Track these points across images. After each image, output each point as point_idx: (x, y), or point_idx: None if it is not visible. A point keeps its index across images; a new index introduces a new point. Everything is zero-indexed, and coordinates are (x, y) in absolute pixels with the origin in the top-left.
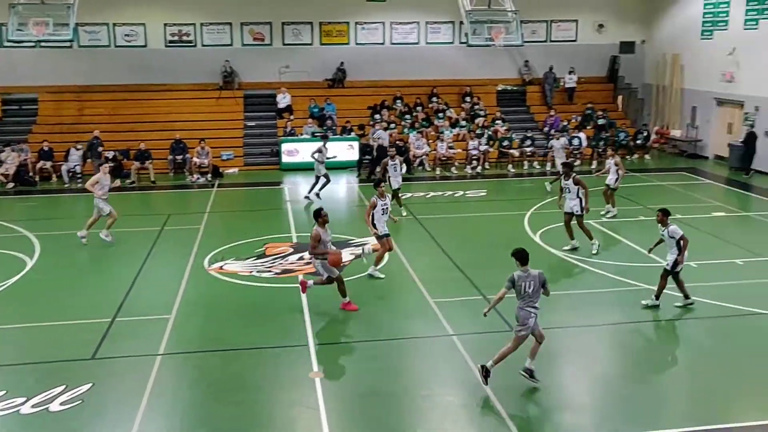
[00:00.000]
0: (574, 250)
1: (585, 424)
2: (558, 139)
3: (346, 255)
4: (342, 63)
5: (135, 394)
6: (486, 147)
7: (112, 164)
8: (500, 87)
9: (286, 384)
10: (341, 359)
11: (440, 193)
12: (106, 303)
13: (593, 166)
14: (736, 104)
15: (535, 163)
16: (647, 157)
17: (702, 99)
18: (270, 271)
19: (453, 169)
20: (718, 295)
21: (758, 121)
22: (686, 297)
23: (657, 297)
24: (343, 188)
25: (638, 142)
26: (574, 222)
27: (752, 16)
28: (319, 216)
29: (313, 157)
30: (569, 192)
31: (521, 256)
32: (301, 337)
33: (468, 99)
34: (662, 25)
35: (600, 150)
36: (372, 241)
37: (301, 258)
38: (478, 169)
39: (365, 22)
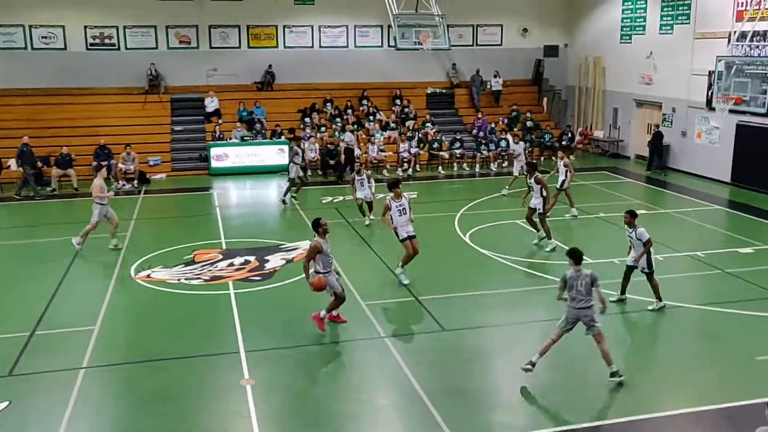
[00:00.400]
0: (541, 240)
1: (516, 422)
2: (517, 143)
3: (278, 260)
4: (270, 66)
5: (56, 411)
6: (416, 149)
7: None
8: (429, 90)
9: (216, 393)
10: (273, 365)
11: (381, 195)
12: (24, 316)
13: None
14: (654, 105)
15: (465, 165)
16: (572, 157)
17: (623, 101)
18: (199, 278)
19: (384, 171)
20: (640, 291)
21: (675, 121)
22: (622, 292)
23: (659, 298)
24: (273, 192)
25: (563, 143)
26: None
27: (667, 21)
28: (319, 226)
29: (294, 162)
30: (533, 190)
31: (576, 256)
32: (231, 344)
33: (398, 102)
34: (584, 29)
35: (527, 152)
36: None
37: (231, 264)
38: (409, 171)
39: (294, 26)
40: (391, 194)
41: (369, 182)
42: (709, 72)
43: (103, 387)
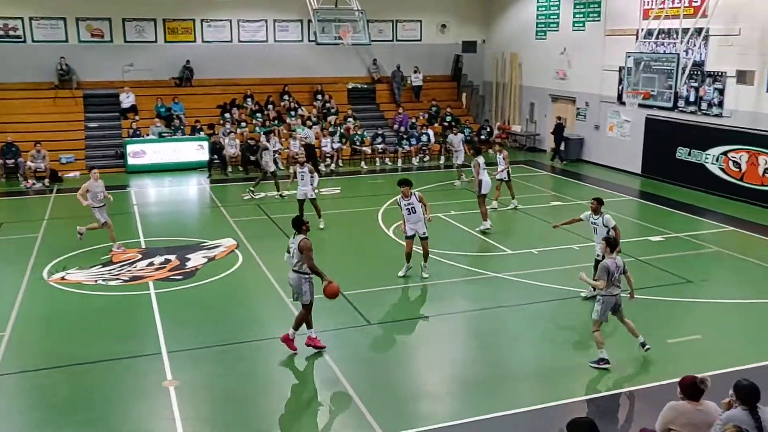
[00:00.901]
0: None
1: (440, 411)
2: (456, 134)
3: (199, 259)
4: (188, 61)
5: None
6: (339, 145)
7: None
8: (350, 85)
9: (139, 395)
10: (196, 365)
11: (294, 191)
12: None
13: (442, 162)
14: (568, 100)
15: (387, 160)
16: (491, 151)
17: (538, 95)
18: (118, 279)
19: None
20: (558, 279)
21: (588, 115)
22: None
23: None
24: (194, 189)
25: (482, 137)
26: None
27: (579, 18)
28: (303, 224)
29: (266, 156)
30: (477, 170)
31: (613, 244)
32: (153, 345)
33: (319, 97)
34: (500, 25)
35: (447, 146)
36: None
37: (150, 264)
38: (332, 166)
39: (212, 20)
40: (400, 193)
41: (312, 177)
42: (620, 68)
43: (15, 396)
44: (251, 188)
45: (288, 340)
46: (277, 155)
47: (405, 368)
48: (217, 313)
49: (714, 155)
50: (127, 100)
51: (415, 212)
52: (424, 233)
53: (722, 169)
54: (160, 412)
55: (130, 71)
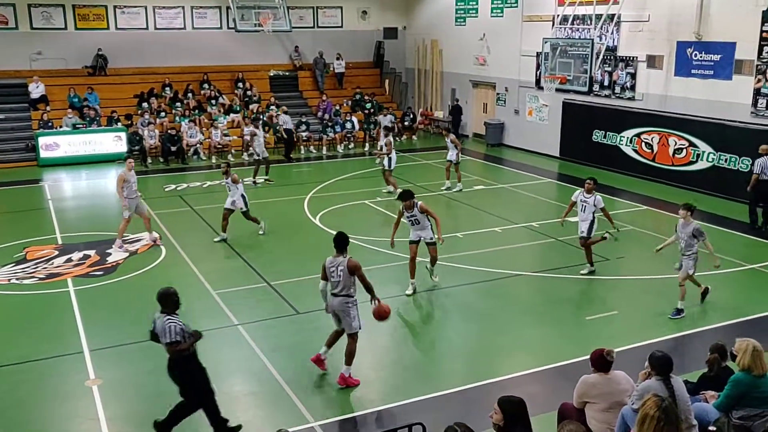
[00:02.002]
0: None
1: (371, 396)
2: (385, 116)
3: (120, 253)
4: (100, 49)
5: None
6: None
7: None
8: (272, 73)
9: (60, 397)
10: (120, 363)
11: (217, 182)
12: None
13: (367, 149)
14: (489, 86)
15: (312, 148)
16: (414, 137)
17: (460, 81)
18: (33, 277)
19: (229, 156)
20: (484, 262)
21: (508, 100)
22: (591, 263)
23: (591, 263)
24: (112, 182)
25: (405, 123)
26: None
27: (498, 4)
28: (347, 242)
29: (255, 141)
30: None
31: (690, 208)
32: (74, 344)
33: (240, 85)
34: (421, 12)
35: (372, 133)
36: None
37: (69, 260)
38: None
39: (125, 6)
40: (403, 205)
41: (237, 187)
42: (537, 53)
43: None
44: (267, 178)
45: (346, 379)
46: (198, 146)
47: (334, 355)
48: (141, 309)
49: (628, 137)
50: (36, 90)
51: (419, 223)
52: (430, 238)
53: (635, 151)
54: (84, 413)
55: (39, 60)
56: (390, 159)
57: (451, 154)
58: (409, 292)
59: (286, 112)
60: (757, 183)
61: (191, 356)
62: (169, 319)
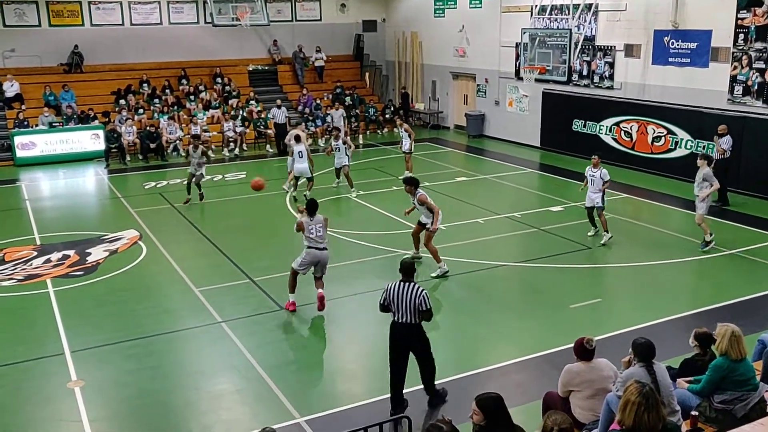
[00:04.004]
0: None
1: (356, 390)
2: (337, 109)
3: (100, 253)
4: (76, 46)
5: None
6: (242, 128)
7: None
8: (251, 67)
9: (41, 399)
10: (103, 364)
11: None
12: None
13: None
14: (469, 77)
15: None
16: (396, 130)
17: (440, 73)
18: (12, 279)
19: (209, 152)
20: (467, 253)
21: (488, 91)
22: (594, 226)
23: (607, 231)
24: (91, 180)
25: (386, 116)
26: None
27: None
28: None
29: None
30: (339, 150)
31: (709, 158)
32: (54, 345)
33: (219, 80)
34: (399, 4)
35: (353, 126)
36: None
37: (48, 261)
38: (236, 151)
39: (100, 2)
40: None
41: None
42: (516, 44)
43: None
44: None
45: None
46: (178, 142)
47: (319, 349)
48: (122, 308)
49: (607, 126)
50: (10, 88)
51: (419, 210)
52: (426, 224)
53: (615, 139)
54: (66, 415)
55: (12, 57)
56: (348, 158)
57: (406, 144)
58: (435, 274)
59: (279, 107)
60: (724, 160)
61: None
62: (419, 287)
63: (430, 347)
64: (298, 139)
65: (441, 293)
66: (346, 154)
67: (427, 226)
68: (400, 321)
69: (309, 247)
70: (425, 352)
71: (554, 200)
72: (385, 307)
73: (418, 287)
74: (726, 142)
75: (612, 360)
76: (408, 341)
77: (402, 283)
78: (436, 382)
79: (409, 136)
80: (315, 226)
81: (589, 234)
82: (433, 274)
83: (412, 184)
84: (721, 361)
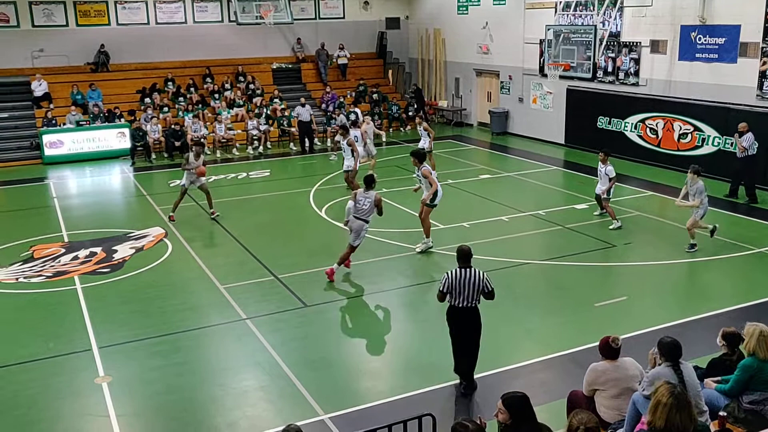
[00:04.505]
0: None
1: (380, 387)
2: (338, 116)
3: (126, 250)
4: (102, 45)
5: None
6: (266, 126)
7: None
8: (275, 65)
9: (70, 395)
10: (130, 360)
11: (223, 176)
12: None
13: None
14: (492, 74)
15: (316, 140)
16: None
17: (463, 70)
18: (41, 276)
19: (234, 150)
20: (492, 251)
21: (512, 88)
22: (615, 218)
23: (616, 219)
24: (117, 178)
25: (409, 113)
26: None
27: None
28: (374, 181)
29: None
30: (345, 152)
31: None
32: (82, 341)
33: (242, 78)
34: (423, 1)
35: (376, 124)
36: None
37: (75, 258)
38: (260, 149)
39: (126, 2)
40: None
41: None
42: (540, 40)
43: None
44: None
45: (331, 273)
46: (203, 139)
47: (343, 347)
48: (148, 305)
49: (632, 123)
50: (39, 88)
51: (421, 184)
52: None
53: (640, 136)
54: (94, 410)
55: (41, 57)
56: (354, 160)
57: (424, 143)
58: (418, 249)
59: (303, 105)
60: (746, 158)
61: None
62: (479, 270)
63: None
64: (354, 124)
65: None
66: (353, 156)
67: (422, 198)
68: (461, 305)
69: (354, 217)
70: (477, 338)
71: (579, 198)
72: (444, 295)
73: (478, 270)
74: (747, 140)
75: (638, 359)
76: (466, 324)
77: (461, 270)
78: (455, 381)
79: (429, 134)
80: (364, 199)
81: (595, 213)
82: (418, 249)
83: (418, 157)
84: (749, 361)
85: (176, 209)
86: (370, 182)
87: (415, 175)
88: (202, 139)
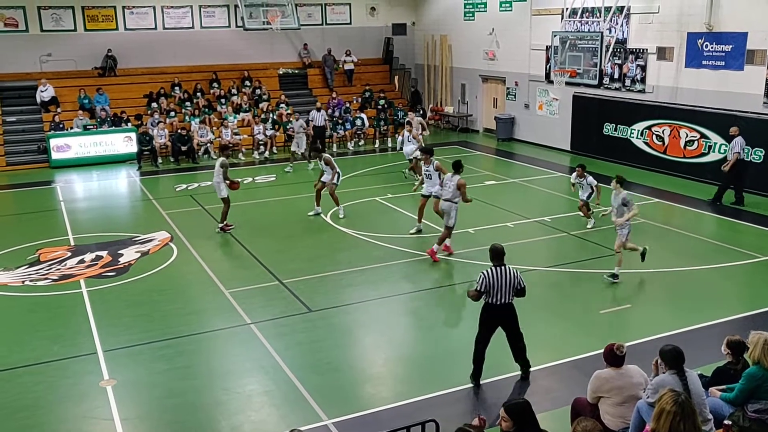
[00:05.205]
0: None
1: (384, 393)
2: (297, 120)
3: (132, 254)
4: (109, 50)
5: None
6: (272, 131)
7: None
8: (281, 71)
9: (74, 397)
10: (134, 363)
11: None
12: None
13: (377, 145)
14: (498, 80)
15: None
16: (425, 133)
17: (469, 76)
18: (46, 279)
19: (240, 155)
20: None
21: (518, 94)
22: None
23: (589, 217)
24: (123, 182)
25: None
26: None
27: None
28: (461, 166)
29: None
30: (431, 177)
31: (622, 181)
32: (87, 345)
33: (248, 83)
34: (429, 7)
35: (382, 130)
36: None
37: (81, 261)
38: (266, 154)
39: (134, 6)
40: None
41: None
42: (546, 47)
43: None
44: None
45: (433, 253)
46: (209, 145)
47: (347, 353)
48: (153, 309)
49: (639, 130)
50: (44, 93)
51: (431, 179)
52: (431, 193)
53: (647, 143)
54: (98, 413)
55: (49, 62)
56: (339, 175)
57: (412, 151)
58: (412, 231)
59: (318, 109)
60: (737, 163)
61: None
62: (512, 268)
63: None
64: (408, 124)
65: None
66: (337, 172)
67: (434, 193)
68: (497, 303)
69: (443, 200)
70: (518, 328)
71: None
72: (479, 294)
73: (512, 268)
74: (738, 144)
75: (642, 367)
76: (504, 319)
77: (497, 268)
78: (459, 387)
79: (417, 142)
80: (450, 183)
81: (587, 226)
82: (412, 231)
83: (430, 153)
84: (754, 370)
85: (225, 218)
86: (458, 167)
87: (425, 170)
88: (229, 144)
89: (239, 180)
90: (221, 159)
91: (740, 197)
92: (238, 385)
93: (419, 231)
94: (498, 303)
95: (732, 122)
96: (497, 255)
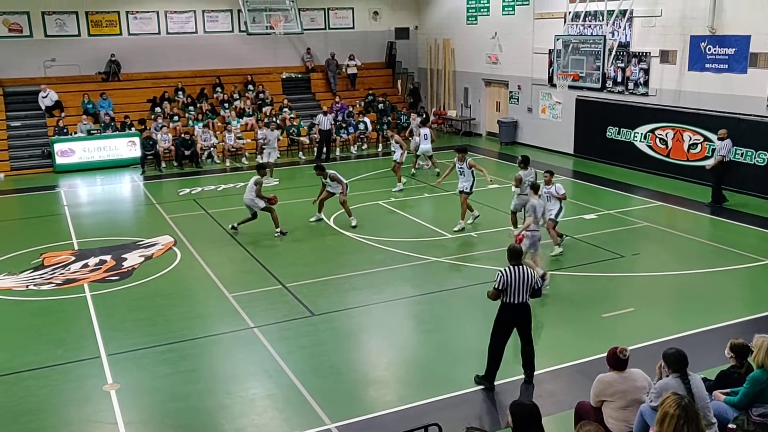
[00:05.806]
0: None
1: (387, 397)
2: (273, 131)
3: (136, 258)
4: (113, 55)
5: None
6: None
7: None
8: (285, 75)
9: (78, 401)
10: (138, 367)
11: (232, 185)
12: None
13: (380, 149)
14: (501, 84)
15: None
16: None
17: (472, 80)
18: (50, 283)
19: (243, 159)
20: (499, 261)
21: (521, 98)
22: (561, 237)
23: (558, 245)
24: (127, 187)
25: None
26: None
27: (509, 2)
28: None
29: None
30: (464, 174)
31: (536, 187)
32: (91, 349)
33: (251, 88)
34: (432, 11)
35: (385, 134)
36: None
37: (85, 265)
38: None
39: (137, 12)
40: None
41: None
42: (549, 50)
43: None
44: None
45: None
46: (212, 149)
47: (350, 356)
48: (156, 313)
49: (642, 133)
50: (45, 99)
51: (463, 175)
52: (464, 188)
53: (650, 147)
54: (102, 417)
55: (53, 66)
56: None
57: (397, 155)
58: (456, 228)
59: (325, 113)
60: (721, 165)
61: None
62: (527, 268)
63: None
64: (424, 123)
65: (474, 302)
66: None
67: (464, 189)
68: (515, 302)
69: (520, 194)
70: (530, 330)
71: (587, 208)
72: (498, 293)
73: (527, 268)
74: (726, 147)
75: (645, 371)
76: (520, 319)
77: (514, 267)
78: (462, 391)
79: (401, 147)
80: (526, 178)
81: (552, 254)
82: (456, 228)
83: (465, 151)
84: (758, 374)
85: (278, 223)
86: (525, 162)
87: (459, 167)
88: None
89: (274, 195)
90: (256, 177)
91: (718, 197)
92: (241, 388)
93: (465, 228)
94: (515, 302)
95: (735, 125)
96: (515, 255)
